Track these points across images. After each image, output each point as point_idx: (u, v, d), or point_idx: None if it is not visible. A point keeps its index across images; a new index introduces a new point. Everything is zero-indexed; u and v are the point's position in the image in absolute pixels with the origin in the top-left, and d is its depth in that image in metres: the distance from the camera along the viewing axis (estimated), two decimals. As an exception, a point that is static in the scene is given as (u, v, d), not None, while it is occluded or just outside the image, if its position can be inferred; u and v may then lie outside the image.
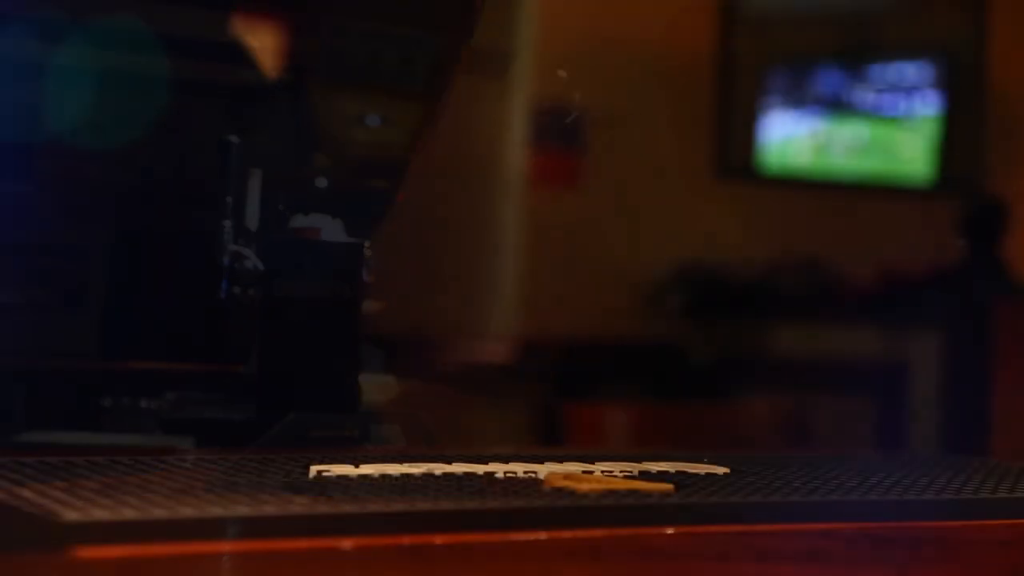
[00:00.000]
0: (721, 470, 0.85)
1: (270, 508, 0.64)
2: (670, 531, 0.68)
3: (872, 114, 5.94)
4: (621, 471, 0.82)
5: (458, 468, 0.81)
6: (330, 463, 0.80)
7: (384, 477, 0.76)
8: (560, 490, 0.73)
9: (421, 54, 1.31)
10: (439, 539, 0.63)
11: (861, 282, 5.50)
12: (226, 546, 0.59)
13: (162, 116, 1.10)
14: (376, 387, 1.16)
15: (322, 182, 1.29)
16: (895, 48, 5.96)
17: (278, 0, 1.19)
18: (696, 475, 0.83)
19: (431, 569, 0.62)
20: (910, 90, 5.98)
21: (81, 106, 1.07)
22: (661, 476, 0.82)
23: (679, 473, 0.84)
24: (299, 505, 0.65)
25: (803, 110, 5.81)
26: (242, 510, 0.63)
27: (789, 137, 5.78)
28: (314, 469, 0.78)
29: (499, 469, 0.82)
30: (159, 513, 0.61)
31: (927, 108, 6.00)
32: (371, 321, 1.11)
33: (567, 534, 0.66)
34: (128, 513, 0.61)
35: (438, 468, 0.80)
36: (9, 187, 1.05)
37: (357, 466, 0.79)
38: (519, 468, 0.82)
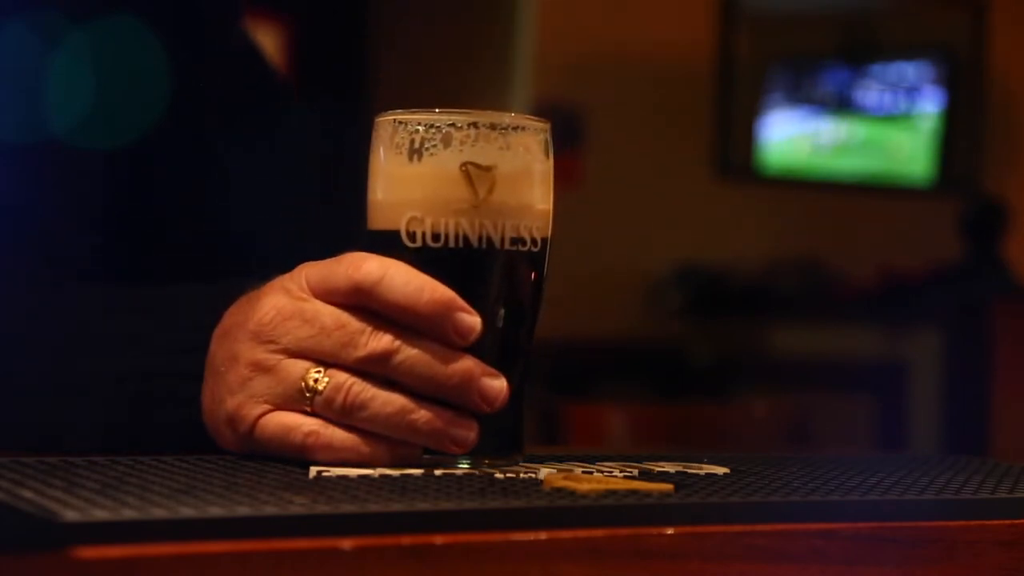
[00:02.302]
0: (721, 470, 0.85)
1: (270, 508, 0.64)
2: (670, 531, 0.68)
3: (872, 114, 5.94)
4: (621, 471, 0.83)
5: (458, 468, 0.82)
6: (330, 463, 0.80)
7: (384, 477, 0.76)
8: (560, 490, 0.73)
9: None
10: (439, 539, 0.63)
11: (861, 282, 5.50)
12: (226, 546, 0.59)
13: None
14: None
15: None
16: (895, 48, 5.96)
17: None
18: (696, 475, 0.83)
19: (431, 569, 0.62)
20: (910, 90, 5.98)
21: (82, 106, 1.07)
22: (661, 476, 0.82)
23: (679, 473, 0.84)
24: (299, 505, 0.65)
25: (803, 110, 5.82)
26: (242, 510, 0.63)
27: (789, 137, 5.78)
28: (314, 469, 0.78)
29: (499, 469, 0.82)
30: (159, 513, 0.61)
31: (927, 108, 6.00)
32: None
33: (567, 534, 0.66)
34: (128, 513, 0.61)
35: (438, 468, 0.80)
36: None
37: (357, 466, 0.79)
38: (519, 468, 0.82)
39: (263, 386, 0.83)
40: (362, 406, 0.81)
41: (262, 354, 0.83)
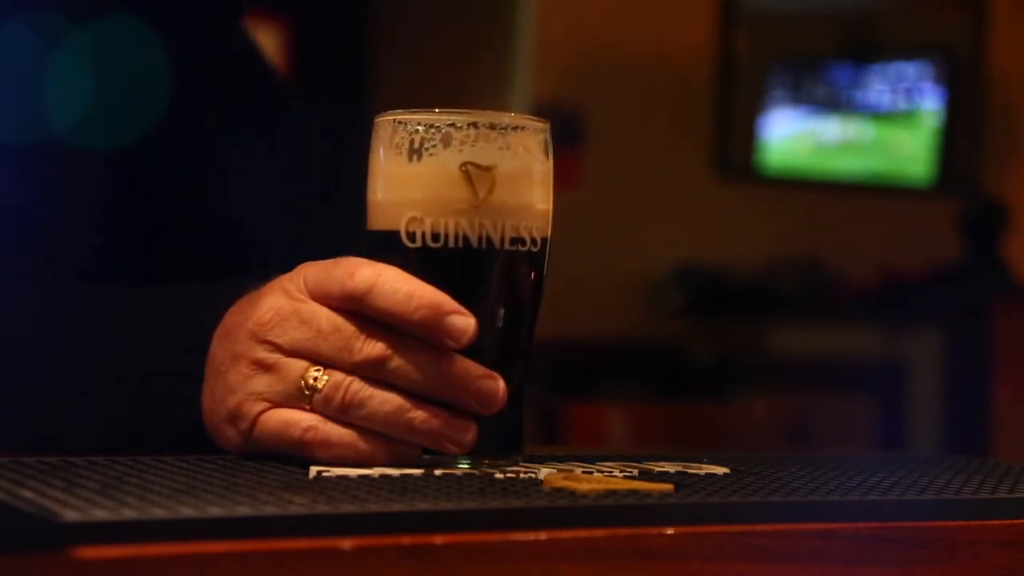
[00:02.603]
0: (721, 470, 0.85)
1: (270, 508, 0.64)
2: (670, 531, 0.68)
3: (872, 114, 5.94)
4: (621, 471, 0.83)
5: (458, 468, 0.82)
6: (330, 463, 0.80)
7: (384, 477, 0.76)
8: (560, 490, 0.73)
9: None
10: (439, 539, 0.63)
11: (861, 282, 5.50)
12: (226, 546, 0.59)
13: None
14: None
15: None
16: (895, 48, 5.96)
17: None
18: (696, 475, 0.83)
19: (431, 569, 0.62)
20: (910, 90, 5.98)
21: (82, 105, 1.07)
22: (661, 476, 0.82)
23: (679, 473, 0.84)
24: (299, 505, 0.65)
25: (803, 110, 5.81)
26: (242, 510, 0.63)
27: (789, 137, 5.78)
28: (314, 469, 0.78)
29: (499, 469, 0.82)
30: (159, 513, 0.61)
31: (927, 108, 6.00)
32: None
33: (567, 534, 0.66)
34: (128, 513, 0.61)
35: (438, 468, 0.80)
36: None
37: (357, 466, 0.79)
38: (519, 468, 0.82)
39: (263, 384, 0.83)
40: (360, 404, 0.81)
41: (262, 353, 0.83)
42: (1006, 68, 5.95)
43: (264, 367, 0.83)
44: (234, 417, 0.84)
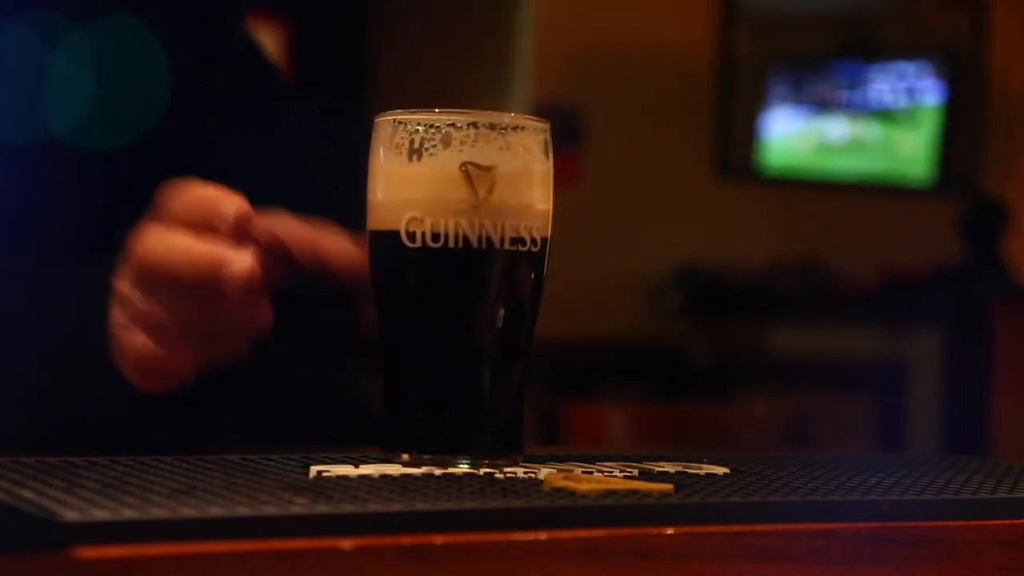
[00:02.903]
0: (721, 470, 0.86)
1: (270, 508, 0.64)
2: (670, 531, 0.68)
3: (872, 114, 5.94)
4: (621, 471, 0.83)
5: (458, 468, 0.82)
6: (330, 463, 0.80)
7: (384, 477, 0.76)
8: (560, 490, 0.73)
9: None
10: (439, 539, 0.63)
11: (861, 282, 5.50)
12: (226, 546, 0.59)
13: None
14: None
15: None
16: (895, 48, 5.96)
17: None
18: (696, 475, 0.83)
19: (431, 569, 0.62)
20: (910, 90, 5.98)
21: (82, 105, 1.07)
22: (661, 476, 0.82)
23: (679, 473, 0.84)
24: (299, 505, 0.65)
25: (803, 110, 5.81)
26: (242, 510, 0.63)
27: (789, 136, 5.78)
28: (314, 469, 0.78)
29: (499, 469, 0.82)
30: (159, 513, 0.61)
31: (927, 108, 6.00)
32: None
33: (567, 534, 0.66)
34: (128, 513, 0.61)
35: (438, 468, 0.80)
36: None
37: (357, 466, 0.79)
38: (519, 468, 0.82)
39: (120, 312, 0.90)
40: (151, 317, 0.89)
41: (124, 286, 0.90)
42: (1006, 68, 5.95)
43: (121, 297, 0.90)
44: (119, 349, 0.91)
